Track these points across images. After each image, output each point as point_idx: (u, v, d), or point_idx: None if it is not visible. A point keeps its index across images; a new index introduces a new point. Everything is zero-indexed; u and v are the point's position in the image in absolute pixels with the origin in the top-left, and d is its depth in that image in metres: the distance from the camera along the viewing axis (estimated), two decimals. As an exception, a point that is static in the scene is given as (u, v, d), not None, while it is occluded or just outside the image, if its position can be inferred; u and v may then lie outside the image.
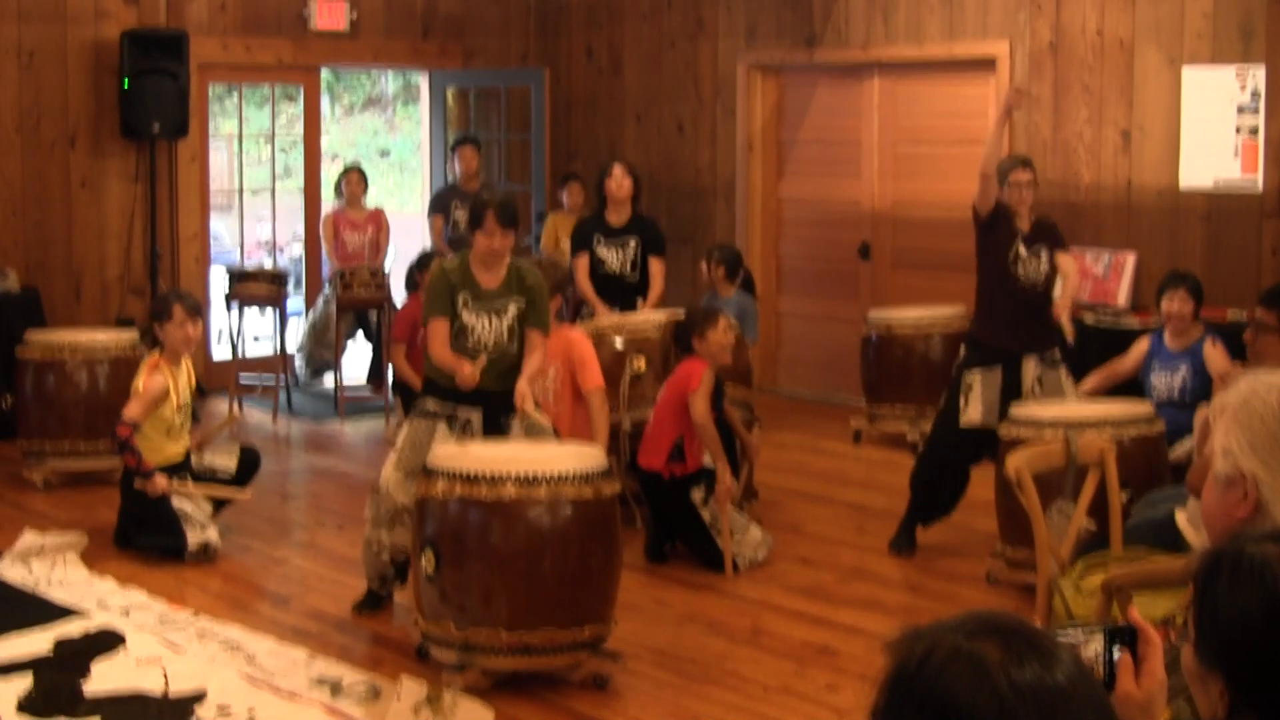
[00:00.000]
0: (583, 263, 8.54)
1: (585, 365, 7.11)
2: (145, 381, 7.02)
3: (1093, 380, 7.59)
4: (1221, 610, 1.99)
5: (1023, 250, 6.95)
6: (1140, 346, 7.74)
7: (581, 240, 8.65)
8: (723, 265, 9.05)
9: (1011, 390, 6.86)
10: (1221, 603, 1.99)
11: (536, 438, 6.01)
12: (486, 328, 5.97)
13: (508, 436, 5.98)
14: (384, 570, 6.17)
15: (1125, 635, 2.04)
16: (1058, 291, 7.09)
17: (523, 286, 6.03)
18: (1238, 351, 7.19)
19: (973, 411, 6.93)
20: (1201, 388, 7.31)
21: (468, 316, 5.96)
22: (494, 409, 5.99)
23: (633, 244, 8.53)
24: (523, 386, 5.94)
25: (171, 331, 7.14)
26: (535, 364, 6.04)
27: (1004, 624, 1.63)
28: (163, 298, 7.51)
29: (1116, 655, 2.02)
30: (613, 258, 8.55)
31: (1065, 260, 7.12)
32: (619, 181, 8.46)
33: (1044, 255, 7.01)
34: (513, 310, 6.00)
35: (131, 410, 6.98)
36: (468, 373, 5.82)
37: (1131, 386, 7.64)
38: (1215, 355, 7.37)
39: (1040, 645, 1.61)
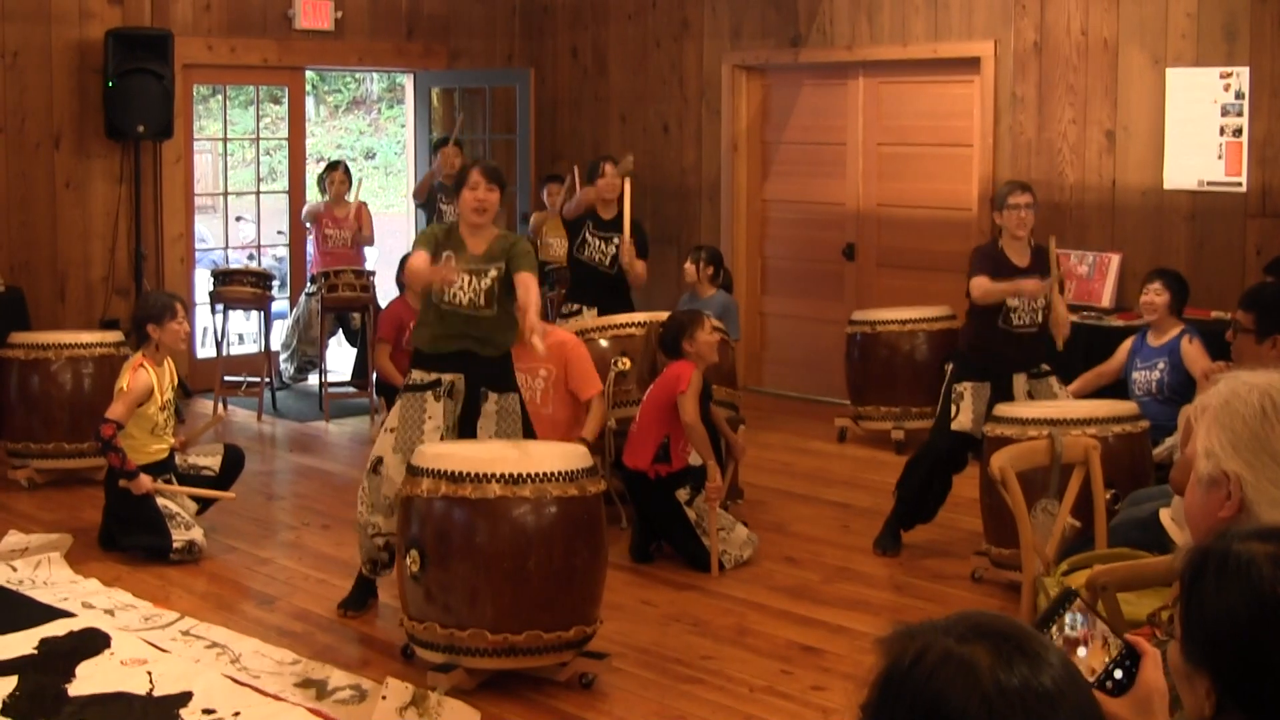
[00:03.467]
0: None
1: (584, 373, 7.17)
2: (130, 380, 7.02)
3: (1079, 382, 7.61)
4: (1208, 609, 1.99)
5: (1016, 301, 6.98)
6: (1125, 346, 7.78)
7: (574, 226, 8.64)
8: (711, 266, 9.08)
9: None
10: (1208, 601, 2.00)
11: (507, 421, 6.03)
12: (465, 286, 5.98)
13: (481, 417, 6.00)
14: (377, 555, 6.15)
15: (1128, 658, 2.06)
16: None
17: (507, 251, 6.04)
18: (1220, 351, 7.21)
19: (963, 418, 6.96)
20: (1178, 383, 7.35)
21: None
22: (476, 374, 6.01)
23: (616, 241, 8.51)
24: (533, 318, 5.83)
25: (172, 329, 7.15)
26: (534, 297, 5.95)
27: (995, 627, 1.64)
28: (158, 298, 7.49)
29: (1118, 675, 2.03)
30: (597, 249, 8.52)
31: (1056, 300, 7.08)
32: (610, 182, 8.46)
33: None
34: (493, 274, 6.01)
35: (115, 410, 6.98)
36: (449, 271, 5.87)
37: (1118, 387, 7.67)
38: (1193, 353, 7.39)
39: (1030, 649, 1.62)
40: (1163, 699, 2.05)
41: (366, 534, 6.14)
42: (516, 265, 6.00)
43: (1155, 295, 7.56)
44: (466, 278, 5.99)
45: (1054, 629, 2.07)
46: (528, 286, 5.92)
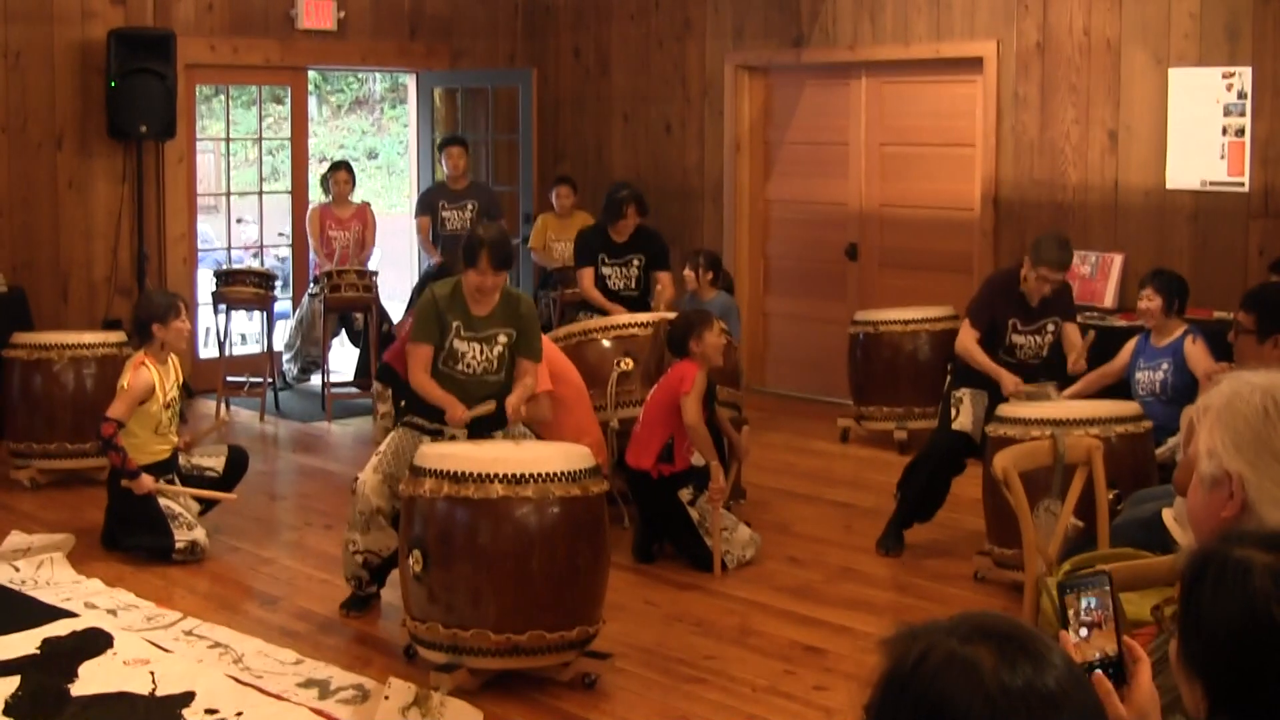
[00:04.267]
0: (589, 274, 8.69)
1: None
2: (130, 379, 7.02)
3: (1081, 383, 7.61)
4: (1204, 616, 2.00)
5: (1017, 337, 7.15)
6: (1129, 347, 7.77)
7: (587, 254, 8.75)
8: (710, 269, 9.07)
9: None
10: (1204, 608, 2.00)
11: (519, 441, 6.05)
12: (477, 355, 6.02)
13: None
14: (358, 572, 6.20)
15: (1113, 664, 2.06)
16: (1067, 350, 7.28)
17: (515, 316, 6.07)
18: (1223, 351, 7.20)
19: (963, 419, 7.00)
20: (1182, 384, 7.33)
21: (459, 344, 6.01)
22: (479, 431, 6.02)
23: (635, 262, 8.66)
24: (514, 402, 5.98)
25: (176, 328, 7.16)
26: (527, 388, 6.07)
27: (998, 627, 1.63)
28: (161, 297, 7.48)
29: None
30: (616, 275, 8.67)
31: (1072, 333, 7.24)
32: (631, 222, 8.60)
33: (1049, 329, 7.20)
34: (503, 339, 6.04)
35: (116, 408, 6.98)
36: (459, 416, 5.89)
37: (1122, 388, 7.66)
38: (1195, 353, 7.38)
39: (1033, 649, 1.61)
40: (1155, 707, 2.06)
41: (347, 551, 6.17)
42: (521, 347, 6.09)
43: (1148, 301, 7.54)
44: (478, 346, 6.03)
45: (1072, 595, 2.07)
46: (523, 374, 6.08)
